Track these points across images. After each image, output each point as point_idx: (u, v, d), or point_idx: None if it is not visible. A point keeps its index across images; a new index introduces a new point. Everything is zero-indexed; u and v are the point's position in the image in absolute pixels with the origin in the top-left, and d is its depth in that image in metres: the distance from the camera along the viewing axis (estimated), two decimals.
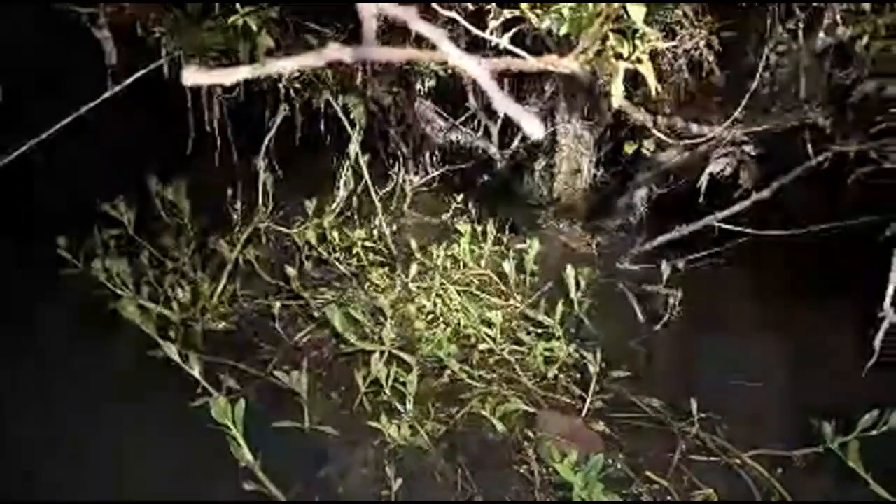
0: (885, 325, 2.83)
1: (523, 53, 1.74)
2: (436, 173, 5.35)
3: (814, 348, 3.45)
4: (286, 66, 0.93)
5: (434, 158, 5.43)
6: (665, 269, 3.93)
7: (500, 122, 5.39)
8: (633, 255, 4.42)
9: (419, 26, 0.84)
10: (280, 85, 4.13)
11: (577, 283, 3.74)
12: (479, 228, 4.36)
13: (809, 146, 3.48)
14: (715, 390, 3.15)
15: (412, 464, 2.72)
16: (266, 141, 4.43)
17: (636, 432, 2.96)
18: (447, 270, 4.06)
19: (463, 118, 5.21)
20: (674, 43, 2.47)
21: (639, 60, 1.93)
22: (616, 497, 2.42)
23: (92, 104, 3.74)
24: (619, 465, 2.72)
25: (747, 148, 3.73)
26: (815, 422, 2.61)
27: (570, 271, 3.72)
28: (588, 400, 3.05)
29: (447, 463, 2.72)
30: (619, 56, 1.92)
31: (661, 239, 4.28)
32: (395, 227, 4.61)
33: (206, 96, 4.65)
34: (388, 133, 5.22)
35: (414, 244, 4.13)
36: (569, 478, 2.32)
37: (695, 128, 3.54)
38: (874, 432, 2.60)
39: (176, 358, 2.99)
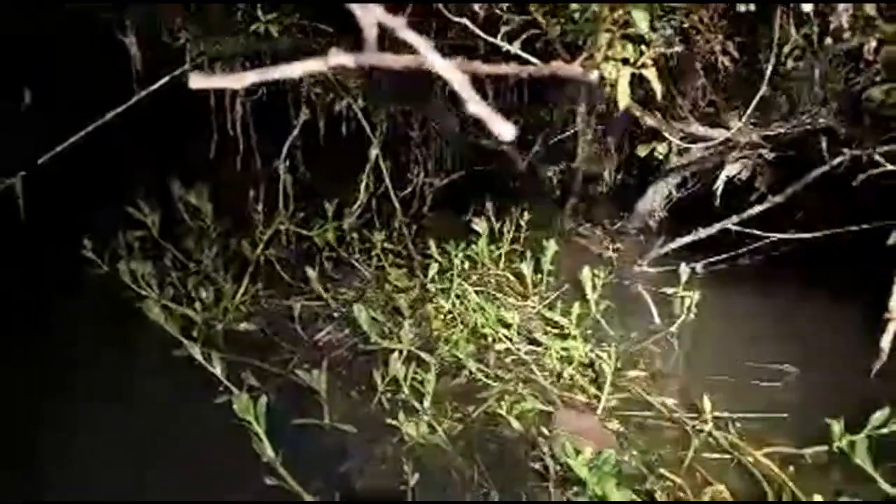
0: (891, 327, 2.93)
1: (531, 58, 1.88)
2: (455, 176, 5.48)
3: (826, 350, 3.55)
4: (290, 71, 1.07)
5: (455, 162, 5.59)
6: (683, 271, 4.04)
7: (520, 125, 5.54)
8: (652, 259, 4.54)
9: (405, 34, 0.97)
10: (301, 89, 4.29)
11: (594, 285, 3.87)
12: (497, 227, 4.49)
13: (824, 151, 3.59)
14: (729, 390, 3.28)
15: (430, 461, 2.86)
16: (287, 144, 4.60)
17: (651, 430, 3.08)
18: (465, 271, 4.19)
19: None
20: (677, 48, 2.58)
21: (644, 66, 2.06)
22: (630, 493, 2.54)
23: (118, 109, 3.93)
24: (632, 462, 2.84)
25: (763, 151, 3.84)
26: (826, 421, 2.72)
27: (586, 272, 3.86)
28: (603, 399, 3.17)
29: (464, 460, 2.86)
30: (625, 61, 2.05)
31: (677, 242, 4.39)
32: (414, 229, 4.76)
33: (230, 100, 4.85)
34: (409, 137, 5.38)
35: (433, 246, 4.28)
36: (582, 473, 2.45)
37: (708, 131, 3.65)
38: (885, 430, 2.71)
39: (199, 357, 3.15)
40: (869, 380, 3.22)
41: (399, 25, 1.16)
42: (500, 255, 4.36)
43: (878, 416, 2.75)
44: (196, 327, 3.57)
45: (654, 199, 4.85)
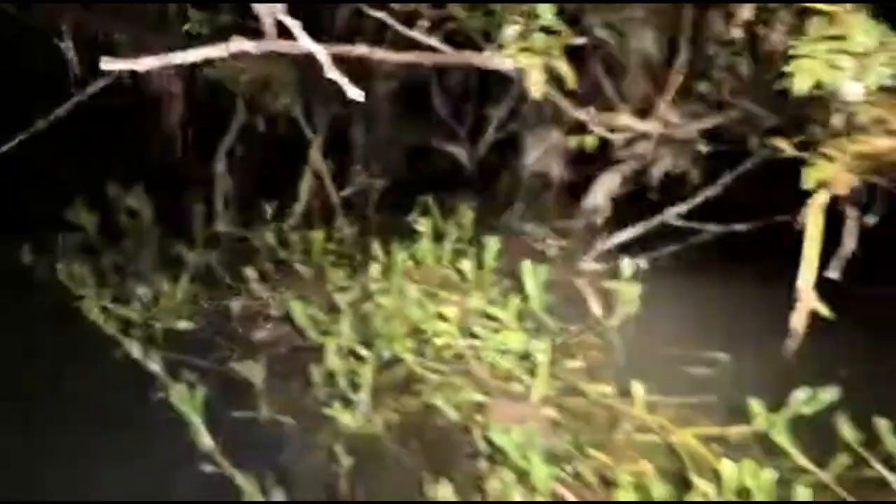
0: (801, 307, 3.12)
1: (444, 47, 1.98)
2: (398, 176, 5.56)
3: (750, 333, 3.72)
4: (192, 56, 1.17)
5: (399, 161, 5.68)
6: (626, 266, 4.16)
7: (468, 126, 5.70)
8: (596, 254, 4.67)
9: (290, 24, 1.09)
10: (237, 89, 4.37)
11: (534, 280, 3.98)
12: (442, 227, 4.59)
13: (753, 142, 3.75)
14: (663, 376, 3.40)
15: (365, 449, 2.94)
16: (225, 145, 4.67)
17: (584, 416, 3.19)
18: (407, 271, 4.27)
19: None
20: (583, 39, 2.69)
21: (553, 55, 2.17)
22: (558, 470, 2.66)
23: (59, 111, 3.98)
24: (562, 444, 2.95)
25: (697, 144, 4.00)
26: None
27: (526, 267, 3.96)
28: (537, 388, 3.27)
29: (399, 446, 2.95)
30: (535, 51, 2.16)
31: (617, 238, 4.53)
32: (357, 230, 4.83)
33: (168, 103, 4.91)
34: (351, 137, 5.47)
35: (375, 246, 4.35)
36: (504, 443, 2.56)
37: (636, 123, 3.80)
38: (806, 410, 2.86)
39: (136, 354, 3.20)
40: (800, 361, 3.37)
41: (293, 24, 1.32)
42: (442, 255, 4.45)
43: (800, 395, 2.91)
44: (135, 326, 3.61)
45: (598, 195, 4.98)
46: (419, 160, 5.59)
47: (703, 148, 4.03)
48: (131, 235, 4.36)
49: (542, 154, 5.22)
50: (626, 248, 4.45)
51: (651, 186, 4.48)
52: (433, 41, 2.24)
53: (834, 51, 2.20)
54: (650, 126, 3.74)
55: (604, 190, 4.94)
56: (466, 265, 4.18)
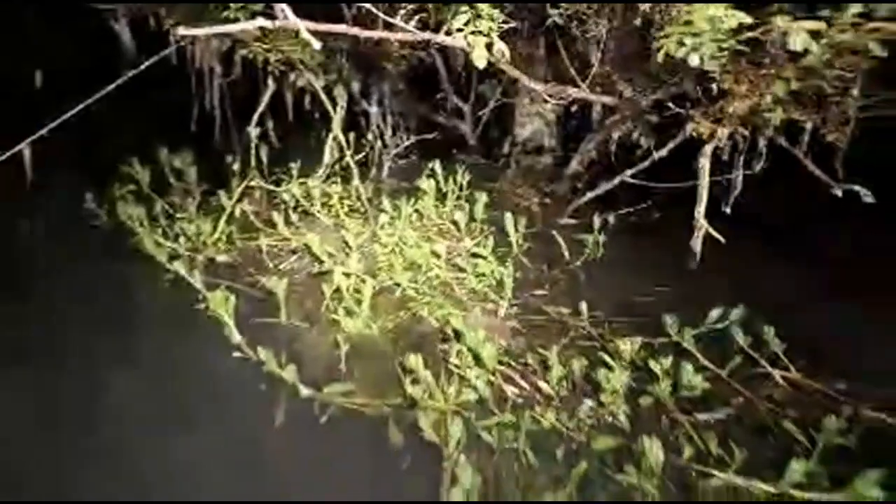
0: (699, 231, 3.95)
1: (408, 27, 2.82)
2: (407, 142, 6.37)
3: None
4: (231, 28, 2.02)
5: (410, 134, 6.53)
6: (596, 221, 4.99)
7: (471, 102, 6.55)
8: (572, 211, 5.49)
9: (284, 11, 1.91)
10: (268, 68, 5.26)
11: (516, 227, 4.81)
12: (445, 189, 5.43)
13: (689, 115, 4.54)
14: (612, 301, 4.23)
15: (360, 342, 3.80)
16: (257, 114, 5.56)
17: (541, 328, 4.02)
18: (412, 222, 5.11)
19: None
20: (513, 24, 3.46)
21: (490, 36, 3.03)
22: (507, 358, 3.51)
23: (110, 87, 4.84)
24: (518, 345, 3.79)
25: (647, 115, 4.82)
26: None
27: (509, 217, 4.81)
28: (503, 305, 4.11)
29: (388, 342, 3.80)
30: (479, 32, 3.01)
31: (587, 196, 5.39)
32: (371, 189, 5.67)
33: (209, 80, 5.82)
34: (368, 112, 6.36)
35: (385, 201, 5.19)
36: (460, 326, 3.40)
37: (588, 95, 4.63)
38: (719, 325, 3.69)
39: (183, 272, 4.08)
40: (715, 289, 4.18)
41: (283, 7, 2.16)
42: (442, 210, 5.28)
43: (713, 314, 3.74)
44: (181, 257, 4.48)
45: (577, 164, 5.83)
46: (428, 131, 6.42)
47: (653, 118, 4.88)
48: (177, 188, 5.25)
49: (533, 127, 6.08)
50: (603, 205, 5.28)
51: (617, 153, 5.34)
52: (409, 26, 3.09)
53: (684, 33, 3.02)
54: (606, 98, 4.54)
55: (580, 158, 5.79)
56: (460, 216, 5.01)
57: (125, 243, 4.65)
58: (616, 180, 5.17)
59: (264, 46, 5.06)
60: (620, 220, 5.16)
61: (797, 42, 2.95)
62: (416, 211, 5.21)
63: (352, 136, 5.61)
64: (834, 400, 3.46)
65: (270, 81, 5.60)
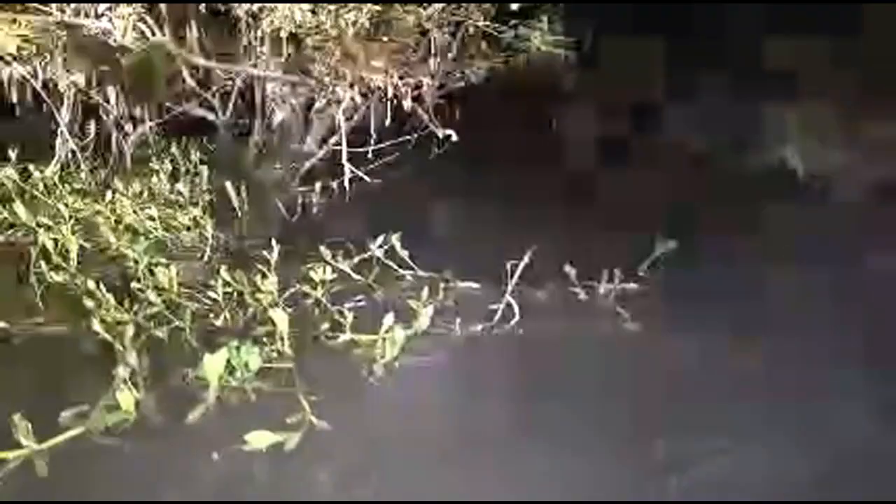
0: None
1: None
2: (146, 126, 6.69)
3: None
4: None
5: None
6: (317, 188, 5.67)
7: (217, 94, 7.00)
8: (299, 181, 6.16)
9: None
10: None
11: (238, 191, 5.38)
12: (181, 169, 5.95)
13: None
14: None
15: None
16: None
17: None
18: (141, 197, 5.50)
19: None
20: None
21: None
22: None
23: None
24: None
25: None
26: None
27: (227, 185, 5.36)
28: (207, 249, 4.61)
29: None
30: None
31: (306, 166, 6.26)
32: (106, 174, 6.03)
33: None
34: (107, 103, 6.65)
35: (117, 181, 5.57)
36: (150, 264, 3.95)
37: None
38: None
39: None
40: None
41: None
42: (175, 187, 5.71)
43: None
44: None
45: (310, 140, 6.51)
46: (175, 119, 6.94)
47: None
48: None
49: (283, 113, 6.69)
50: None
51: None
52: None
53: None
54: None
55: (313, 136, 6.48)
56: (185, 189, 5.51)
57: None
58: (321, 152, 6.03)
59: None
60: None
61: None
62: (148, 188, 5.61)
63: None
64: None
65: None
